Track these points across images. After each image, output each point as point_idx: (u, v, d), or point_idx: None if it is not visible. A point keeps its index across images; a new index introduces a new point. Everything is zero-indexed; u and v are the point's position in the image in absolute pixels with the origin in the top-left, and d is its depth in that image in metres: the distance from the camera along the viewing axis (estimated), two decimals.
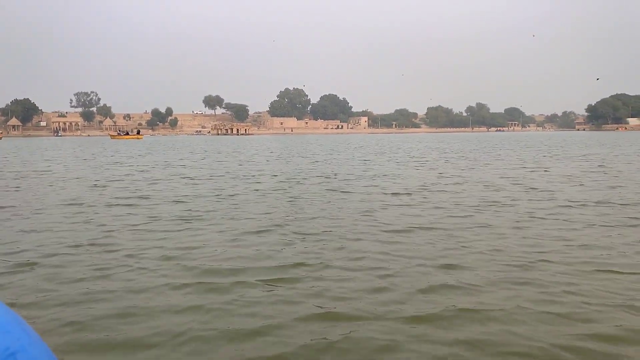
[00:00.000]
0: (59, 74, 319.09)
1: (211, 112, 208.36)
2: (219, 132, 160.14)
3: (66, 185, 15.32)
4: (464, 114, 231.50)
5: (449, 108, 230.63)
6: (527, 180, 15.13)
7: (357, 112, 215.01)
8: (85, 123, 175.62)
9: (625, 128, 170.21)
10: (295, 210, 10.01)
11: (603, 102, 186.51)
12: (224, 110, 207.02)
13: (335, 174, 18.07)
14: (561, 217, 8.94)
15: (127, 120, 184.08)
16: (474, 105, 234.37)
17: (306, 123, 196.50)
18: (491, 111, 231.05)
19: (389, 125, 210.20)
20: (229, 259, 6.31)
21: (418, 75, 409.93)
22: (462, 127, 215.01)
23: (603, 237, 7.38)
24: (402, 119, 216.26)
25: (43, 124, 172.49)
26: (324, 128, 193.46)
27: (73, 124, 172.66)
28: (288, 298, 4.92)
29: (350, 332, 4.08)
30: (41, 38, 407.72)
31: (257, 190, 13.53)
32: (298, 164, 23.75)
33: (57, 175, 19.17)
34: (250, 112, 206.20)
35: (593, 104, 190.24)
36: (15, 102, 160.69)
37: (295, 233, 7.76)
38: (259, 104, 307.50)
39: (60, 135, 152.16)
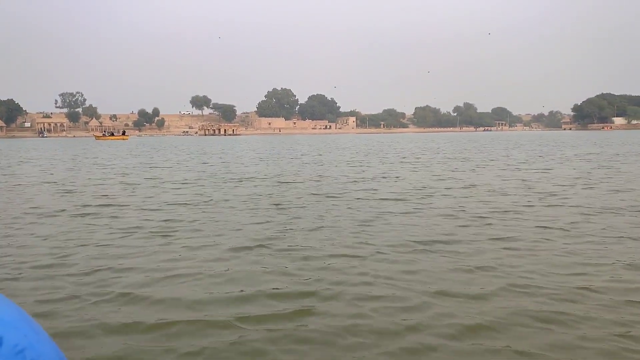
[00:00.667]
0: (43, 74, 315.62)
1: (198, 112, 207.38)
2: (207, 133, 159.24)
3: (28, 191, 13.95)
4: (452, 114, 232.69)
5: (437, 108, 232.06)
6: (536, 183, 14.04)
7: (345, 112, 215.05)
8: (71, 124, 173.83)
9: (611, 127, 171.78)
10: (285, 221, 8.74)
11: (589, 101, 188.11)
12: (211, 111, 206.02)
13: (335, 178, 16.92)
14: (585, 227, 7.95)
15: (113, 121, 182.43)
16: (461, 105, 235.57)
17: (294, 123, 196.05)
18: (478, 111, 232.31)
19: (377, 125, 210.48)
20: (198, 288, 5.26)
21: (406, 75, 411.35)
22: (449, 127, 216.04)
23: None
24: (390, 119, 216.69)
25: (27, 124, 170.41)
26: (312, 128, 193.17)
27: (58, 124, 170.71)
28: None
29: None
30: (25, 38, 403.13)
31: (242, 196, 12.31)
32: (287, 166, 22.67)
33: (24, 179, 17.79)
34: (238, 113, 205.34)
35: (579, 104, 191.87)
36: None
37: (283, 251, 6.61)
38: (246, 104, 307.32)
39: (45, 136, 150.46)
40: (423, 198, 11.42)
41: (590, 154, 28.81)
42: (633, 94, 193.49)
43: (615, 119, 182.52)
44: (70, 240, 7.43)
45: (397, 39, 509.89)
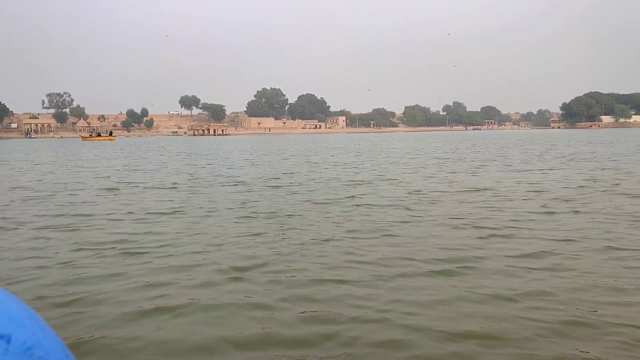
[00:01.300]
0: (30, 74, 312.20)
1: (187, 112, 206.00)
2: (196, 133, 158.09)
3: None
4: (441, 113, 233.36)
5: (426, 107, 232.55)
6: (545, 186, 13.08)
7: (335, 111, 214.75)
8: (58, 124, 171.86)
9: (598, 125, 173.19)
10: (275, 236, 7.58)
11: (577, 100, 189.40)
12: (200, 111, 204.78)
13: (328, 180, 15.88)
14: (625, 238, 7.08)
15: (101, 121, 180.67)
16: (450, 104, 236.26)
17: (284, 123, 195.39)
18: (468, 110, 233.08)
19: (367, 125, 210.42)
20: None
21: (395, 75, 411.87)
22: (439, 126, 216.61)
23: None
24: (380, 118, 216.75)
25: (14, 125, 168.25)
26: (302, 128, 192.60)
27: (45, 125, 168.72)
28: None
29: None
30: (12, 37, 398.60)
31: (230, 202, 11.30)
32: (278, 168, 21.63)
33: None
34: (227, 112, 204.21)
35: (567, 102, 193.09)
36: None
37: (271, 277, 5.60)
38: (236, 104, 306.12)
39: (33, 137, 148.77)
40: (430, 204, 10.43)
41: (589, 153, 28.23)
42: (620, 93, 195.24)
43: (603, 117, 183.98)
44: (24, 260, 6.46)
45: (387, 39, 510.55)
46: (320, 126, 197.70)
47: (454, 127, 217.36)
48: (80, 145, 68.18)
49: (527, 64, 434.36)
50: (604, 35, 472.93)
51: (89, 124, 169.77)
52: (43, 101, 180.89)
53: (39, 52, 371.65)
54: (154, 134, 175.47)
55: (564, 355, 3.61)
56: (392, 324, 4.21)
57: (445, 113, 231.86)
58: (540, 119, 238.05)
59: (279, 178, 16.69)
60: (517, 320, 4.22)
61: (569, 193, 11.69)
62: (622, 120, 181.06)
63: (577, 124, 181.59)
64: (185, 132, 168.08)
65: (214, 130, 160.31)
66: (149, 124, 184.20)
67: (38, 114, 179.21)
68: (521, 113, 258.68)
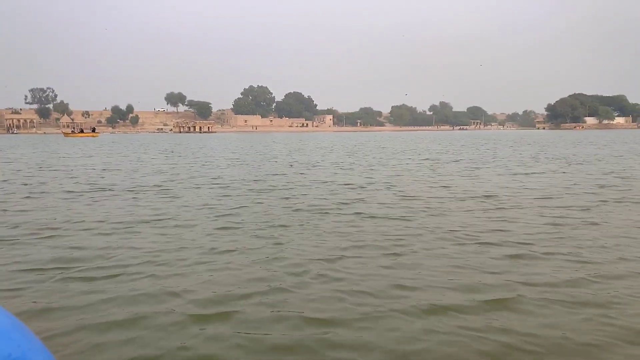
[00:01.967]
0: (12, 69, 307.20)
1: (173, 109, 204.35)
2: (181, 130, 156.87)
3: None
4: (428, 113, 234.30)
5: (413, 107, 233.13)
6: (551, 192, 12.30)
7: (322, 110, 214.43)
8: (41, 120, 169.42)
9: (582, 127, 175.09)
10: (264, 257, 6.38)
11: (562, 101, 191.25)
12: (186, 108, 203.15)
13: (321, 184, 14.95)
14: None
15: (85, 118, 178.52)
16: (437, 104, 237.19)
17: (271, 121, 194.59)
18: (454, 110, 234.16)
19: (354, 124, 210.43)
20: None
21: (383, 74, 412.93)
22: (425, 126, 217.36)
23: None
24: (367, 118, 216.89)
25: None
26: (289, 126, 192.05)
27: (28, 121, 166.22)
28: None
29: None
30: None
31: (211, 208, 10.06)
32: (265, 169, 20.62)
33: None
34: (214, 110, 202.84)
35: (552, 104, 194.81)
36: None
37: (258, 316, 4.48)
38: (222, 102, 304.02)
39: (16, 133, 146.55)
40: (432, 215, 9.30)
41: (585, 155, 28.10)
42: (604, 95, 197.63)
43: (587, 118, 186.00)
44: None
45: (374, 39, 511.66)
46: (307, 124, 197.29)
47: (441, 127, 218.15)
48: (62, 141, 67.07)
49: (513, 66, 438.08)
50: (589, 40, 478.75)
51: (72, 120, 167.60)
52: (26, 96, 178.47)
53: (22, 47, 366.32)
54: (139, 130, 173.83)
55: None
56: None
57: (431, 113, 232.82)
58: (525, 120, 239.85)
59: (264, 181, 15.56)
60: None
61: (582, 202, 10.71)
62: (605, 121, 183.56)
63: (562, 125, 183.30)
64: (171, 129, 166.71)
65: (200, 127, 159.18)
66: (134, 121, 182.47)
67: (20, 109, 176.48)
68: (507, 113, 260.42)
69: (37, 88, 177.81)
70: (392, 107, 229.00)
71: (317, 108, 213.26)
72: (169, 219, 9.08)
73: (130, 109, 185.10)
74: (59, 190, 13.51)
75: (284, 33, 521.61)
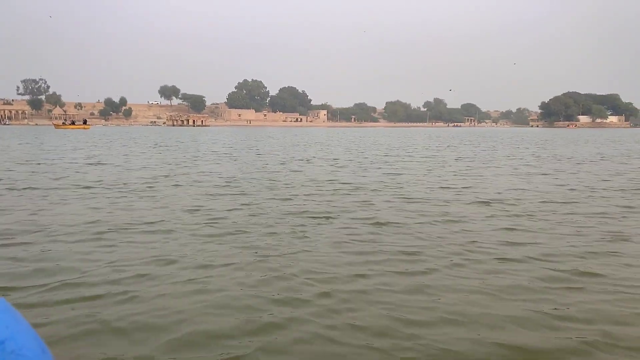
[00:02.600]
0: (4, 59, 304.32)
1: (167, 102, 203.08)
2: (175, 123, 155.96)
3: None
4: (422, 109, 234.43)
5: (407, 103, 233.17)
6: (575, 197, 11.24)
7: (316, 105, 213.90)
8: (33, 111, 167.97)
9: (576, 125, 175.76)
10: (261, 277, 5.38)
11: (555, 99, 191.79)
12: (180, 101, 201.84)
13: (321, 182, 14.36)
14: None
15: (78, 110, 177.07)
16: (431, 100, 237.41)
17: (265, 115, 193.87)
18: (448, 107, 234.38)
19: (348, 119, 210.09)
20: None
21: (378, 70, 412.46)
22: (419, 122, 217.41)
23: None
24: (361, 113, 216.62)
25: None
26: (283, 121, 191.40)
27: (20, 112, 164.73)
28: None
29: None
30: None
31: (196, 213, 8.90)
32: (258, 165, 19.86)
33: None
34: (208, 104, 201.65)
35: (546, 102, 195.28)
36: None
37: None
38: (216, 95, 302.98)
39: (8, 124, 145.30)
40: (450, 222, 8.19)
41: (588, 154, 27.66)
42: (597, 93, 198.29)
43: (580, 117, 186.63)
44: None
45: (371, 36, 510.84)
46: (301, 119, 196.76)
47: (435, 123, 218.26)
48: (51, 133, 66.43)
49: (509, 66, 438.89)
50: (584, 40, 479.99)
51: (65, 111, 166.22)
52: (18, 87, 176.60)
53: (14, 37, 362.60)
54: (133, 123, 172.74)
55: None
56: None
57: (426, 109, 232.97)
58: (519, 117, 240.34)
59: (261, 179, 14.41)
60: None
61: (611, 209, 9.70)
62: (598, 120, 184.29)
63: (555, 123, 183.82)
64: (164, 122, 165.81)
65: (194, 121, 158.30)
66: (127, 113, 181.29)
67: (12, 100, 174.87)
68: (500, 111, 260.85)
69: (29, 79, 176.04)
70: (387, 103, 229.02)
71: (311, 103, 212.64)
72: (146, 223, 8.06)
73: (123, 101, 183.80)
74: (28, 187, 12.42)
75: (278, 28, 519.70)
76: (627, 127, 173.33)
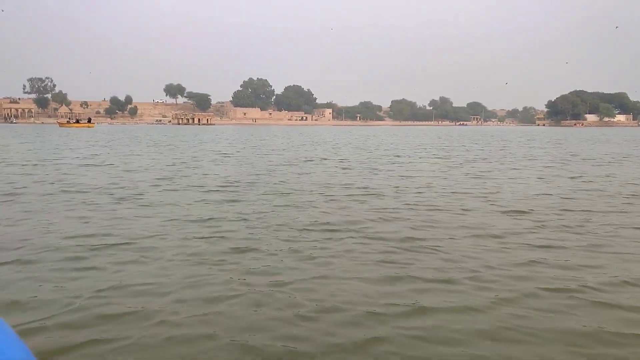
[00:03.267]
0: (10, 58, 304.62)
1: (172, 101, 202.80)
2: (180, 122, 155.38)
3: None
4: (428, 108, 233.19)
5: (413, 101, 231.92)
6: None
7: (321, 103, 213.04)
8: (39, 110, 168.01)
9: (583, 124, 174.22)
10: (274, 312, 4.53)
11: (562, 98, 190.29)
12: (185, 100, 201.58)
13: (335, 187, 13.63)
14: None
15: (84, 108, 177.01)
16: (437, 99, 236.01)
17: (270, 114, 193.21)
18: (454, 105, 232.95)
19: (353, 118, 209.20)
20: None
21: (383, 70, 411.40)
22: (425, 121, 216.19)
23: None
24: (367, 112, 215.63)
25: None
26: (288, 119, 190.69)
27: (26, 110, 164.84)
28: None
29: None
30: None
31: (196, 227, 7.91)
32: (265, 166, 19.16)
33: None
34: (213, 102, 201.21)
35: (553, 100, 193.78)
36: None
37: None
38: (221, 94, 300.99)
39: (15, 122, 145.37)
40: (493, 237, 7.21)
41: (604, 154, 26.87)
42: (605, 92, 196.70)
43: (587, 116, 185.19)
44: None
45: (375, 37, 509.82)
46: (306, 118, 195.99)
47: (442, 122, 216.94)
48: (56, 132, 65.91)
49: (515, 65, 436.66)
50: (590, 39, 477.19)
51: (71, 110, 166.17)
52: (24, 86, 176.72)
53: (21, 36, 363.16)
54: (138, 122, 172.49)
55: None
56: None
57: (431, 108, 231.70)
58: (525, 116, 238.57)
59: (267, 183, 13.73)
60: None
61: None
62: (606, 119, 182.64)
63: (562, 121, 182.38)
64: (170, 121, 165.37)
65: (199, 119, 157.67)
66: (133, 112, 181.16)
67: (19, 98, 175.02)
68: (507, 110, 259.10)
69: (35, 78, 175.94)
70: (392, 101, 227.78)
71: (316, 101, 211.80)
72: (136, 239, 7.06)
73: (129, 100, 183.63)
74: (9, 192, 11.61)
75: (284, 27, 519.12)
76: (635, 126, 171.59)
